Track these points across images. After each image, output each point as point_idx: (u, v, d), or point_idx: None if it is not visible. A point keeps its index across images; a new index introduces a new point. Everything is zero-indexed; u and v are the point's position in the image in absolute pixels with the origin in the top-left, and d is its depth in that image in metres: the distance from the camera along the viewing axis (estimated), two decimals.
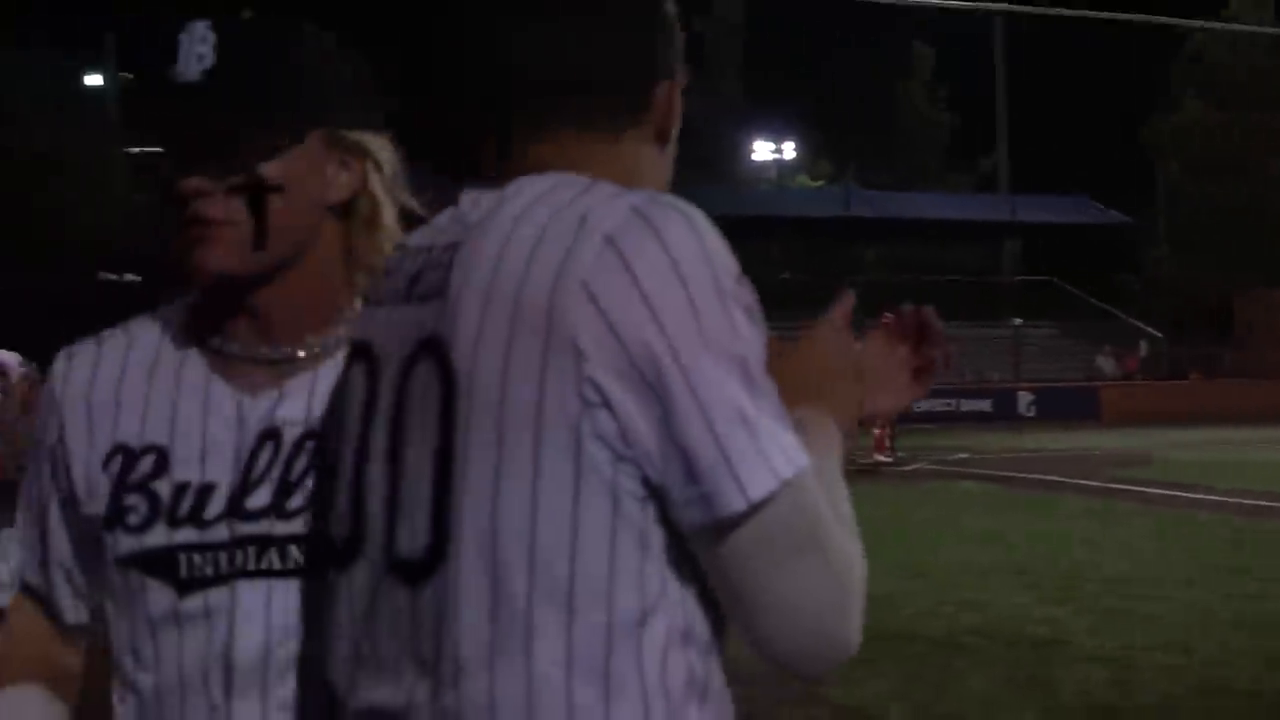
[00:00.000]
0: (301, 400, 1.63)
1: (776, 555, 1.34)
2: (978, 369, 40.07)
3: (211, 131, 1.56)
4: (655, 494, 1.35)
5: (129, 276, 23.21)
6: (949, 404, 36.43)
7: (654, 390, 1.32)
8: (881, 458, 22.50)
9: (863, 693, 7.15)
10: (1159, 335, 43.34)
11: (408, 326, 1.45)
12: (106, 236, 29.73)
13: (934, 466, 21.73)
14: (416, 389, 1.42)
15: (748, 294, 1.39)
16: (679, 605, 1.38)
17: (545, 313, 1.33)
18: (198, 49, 1.56)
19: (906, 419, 34.42)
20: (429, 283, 1.44)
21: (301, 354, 1.66)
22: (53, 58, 32.72)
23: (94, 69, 37.17)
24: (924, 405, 35.80)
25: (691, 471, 1.32)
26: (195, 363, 1.66)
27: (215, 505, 1.59)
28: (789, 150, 58.13)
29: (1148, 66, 48.47)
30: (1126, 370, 41.88)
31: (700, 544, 1.35)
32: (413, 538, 1.40)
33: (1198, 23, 45.24)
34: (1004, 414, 35.71)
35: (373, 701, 1.44)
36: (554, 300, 1.33)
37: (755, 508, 1.31)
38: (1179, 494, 16.73)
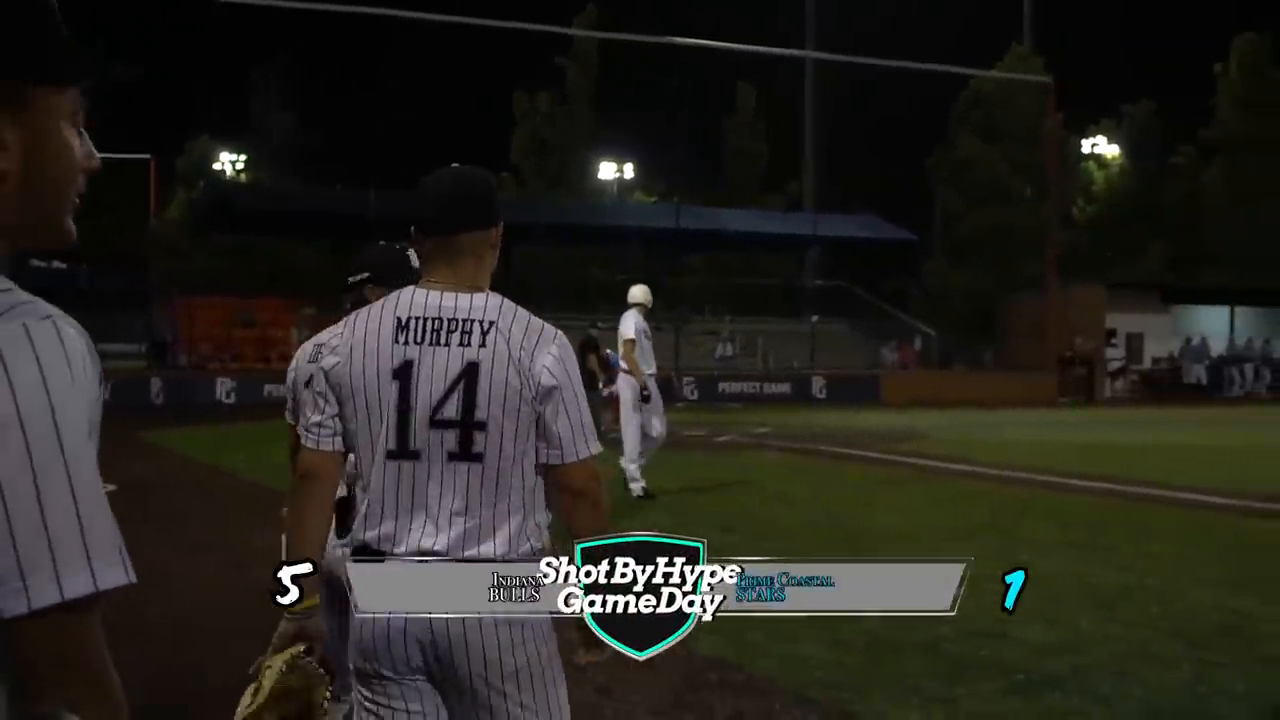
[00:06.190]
0: None
1: None
2: (781, 358, 40.89)
3: None
4: None
5: (55, 264, 22.30)
6: (754, 387, 36.98)
7: None
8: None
9: None
10: (932, 333, 44.37)
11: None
12: None
13: (741, 439, 22.05)
14: None
15: None
16: None
17: None
18: None
19: (718, 398, 34.96)
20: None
21: None
22: None
23: None
24: (734, 388, 36.39)
25: None
26: None
27: None
28: (629, 170, 58.72)
29: (931, 107, 49.71)
30: (904, 361, 43.03)
31: None
32: None
33: (974, 71, 46.70)
34: (800, 396, 36.28)
35: None
36: None
37: None
38: (945, 465, 16.88)
